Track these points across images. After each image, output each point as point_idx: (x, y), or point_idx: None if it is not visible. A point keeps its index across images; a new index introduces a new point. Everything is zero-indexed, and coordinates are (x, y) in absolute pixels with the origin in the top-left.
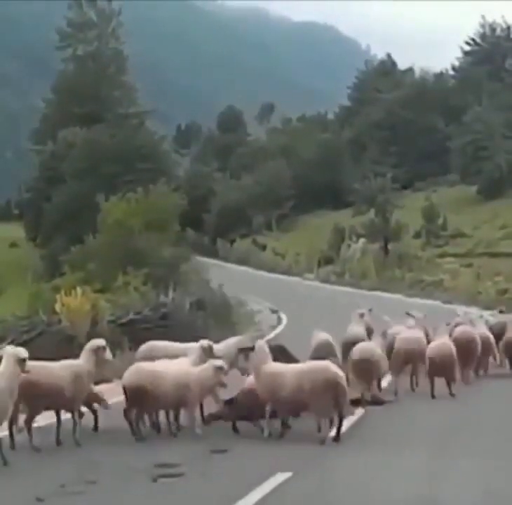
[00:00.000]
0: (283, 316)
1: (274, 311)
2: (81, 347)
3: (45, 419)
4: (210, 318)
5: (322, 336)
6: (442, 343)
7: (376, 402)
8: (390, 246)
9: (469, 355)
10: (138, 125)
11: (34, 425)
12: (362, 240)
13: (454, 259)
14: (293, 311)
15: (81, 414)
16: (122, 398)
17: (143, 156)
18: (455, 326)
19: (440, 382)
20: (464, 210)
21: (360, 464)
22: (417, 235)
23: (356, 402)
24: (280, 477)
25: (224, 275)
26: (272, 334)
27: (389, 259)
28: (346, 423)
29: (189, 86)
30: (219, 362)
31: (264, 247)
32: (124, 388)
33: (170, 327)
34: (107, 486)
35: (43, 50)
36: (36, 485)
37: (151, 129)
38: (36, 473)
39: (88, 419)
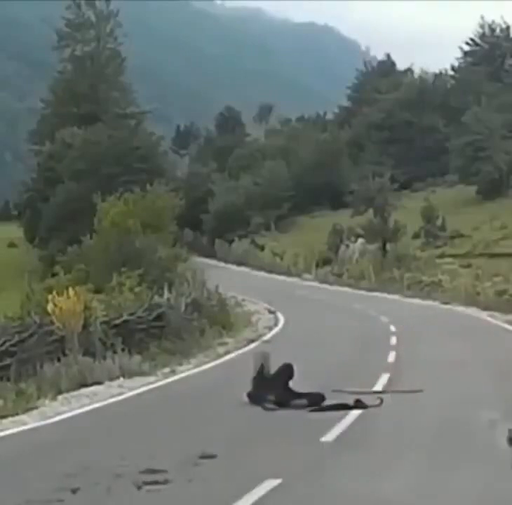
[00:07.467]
0: (281, 317)
1: (271, 312)
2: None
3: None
4: (205, 318)
5: None
6: None
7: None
8: (388, 247)
9: None
10: (136, 125)
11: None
12: (360, 240)
13: (453, 260)
14: (291, 311)
15: None
16: (113, 400)
17: (140, 157)
18: None
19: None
20: (463, 211)
21: (355, 470)
22: (416, 235)
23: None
24: (269, 484)
25: (222, 275)
26: (269, 335)
27: (388, 259)
28: (341, 426)
29: (188, 87)
30: None
31: (262, 248)
32: None
33: (164, 328)
34: (88, 494)
35: (42, 52)
36: (14, 491)
37: (149, 130)
38: (16, 477)
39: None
